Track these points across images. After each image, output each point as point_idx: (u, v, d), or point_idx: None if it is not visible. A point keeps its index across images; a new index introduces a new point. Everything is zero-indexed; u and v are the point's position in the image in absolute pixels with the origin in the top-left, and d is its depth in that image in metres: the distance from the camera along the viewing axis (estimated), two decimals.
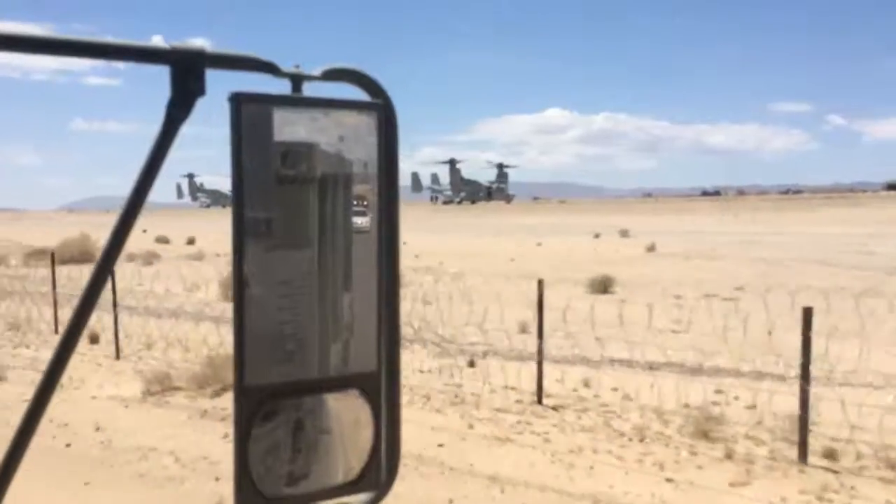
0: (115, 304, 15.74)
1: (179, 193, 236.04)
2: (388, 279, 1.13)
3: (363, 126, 1.07)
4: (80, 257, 33.13)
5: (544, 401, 11.55)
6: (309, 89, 1.05)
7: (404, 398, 12.18)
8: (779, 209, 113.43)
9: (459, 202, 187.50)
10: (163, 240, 54.44)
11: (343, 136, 1.05)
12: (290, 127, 1.01)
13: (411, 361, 13.86)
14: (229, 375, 11.69)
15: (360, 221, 1.08)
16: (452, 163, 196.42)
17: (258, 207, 1.00)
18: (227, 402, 11.56)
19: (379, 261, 1.10)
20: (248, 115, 0.98)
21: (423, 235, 55.18)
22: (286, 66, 1.03)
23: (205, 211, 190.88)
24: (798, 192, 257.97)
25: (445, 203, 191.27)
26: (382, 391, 1.12)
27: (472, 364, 14.12)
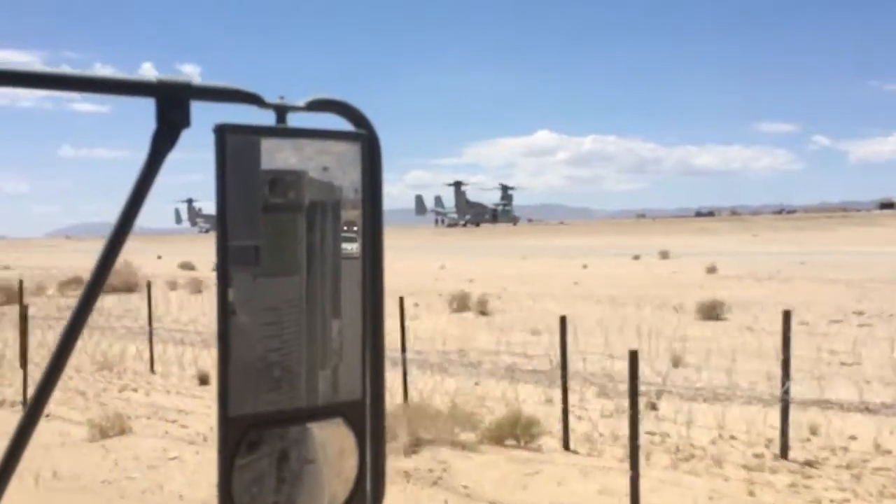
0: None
1: (178, 218, 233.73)
2: (373, 306, 1.13)
3: (348, 156, 1.08)
4: (123, 286, 31.32)
5: (789, 454, 9.79)
6: (294, 119, 1.07)
7: (611, 450, 10.55)
8: (798, 229, 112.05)
9: (465, 224, 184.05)
10: (188, 266, 52.51)
11: (327, 166, 1.06)
12: (276, 155, 1.02)
13: (577, 403, 12.14)
14: (425, 426, 9.05)
15: (349, 248, 1.09)
16: (458, 185, 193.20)
17: (245, 235, 1.00)
18: (429, 460, 9.94)
19: (363, 287, 1.10)
20: (234, 144, 0.98)
21: (454, 259, 53.53)
22: (271, 98, 1.05)
23: (204, 236, 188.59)
24: (791, 211, 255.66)
25: (450, 226, 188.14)
26: (367, 420, 1.12)
27: (653, 406, 12.32)
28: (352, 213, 1.09)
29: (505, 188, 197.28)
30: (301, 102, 1.08)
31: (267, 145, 1.01)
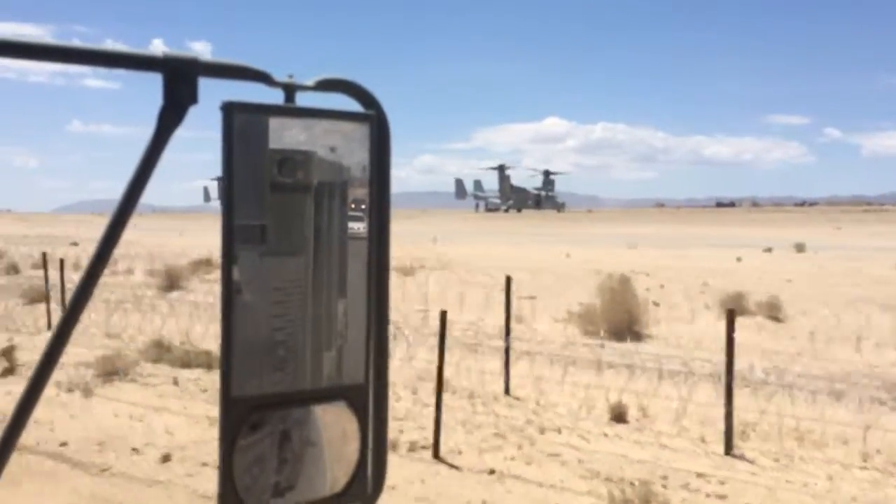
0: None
1: (207, 197, 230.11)
2: (378, 287, 1.12)
3: (356, 136, 1.08)
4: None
5: None
6: (302, 99, 1.06)
7: None
8: (881, 221, 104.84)
9: (506, 210, 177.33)
10: None
11: (335, 147, 1.06)
12: (286, 134, 1.02)
13: None
14: None
15: (356, 227, 1.08)
16: (502, 169, 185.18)
17: (252, 214, 1.00)
18: None
19: (369, 269, 1.10)
20: (241, 123, 0.98)
21: (562, 247, 48.90)
22: (279, 76, 1.04)
23: None
24: (813, 203, 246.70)
25: (489, 210, 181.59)
26: (370, 403, 1.11)
27: None
28: (359, 192, 1.08)
29: (547, 173, 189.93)
30: (310, 82, 1.06)
31: (275, 124, 1.01)
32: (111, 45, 1.03)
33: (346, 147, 1.06)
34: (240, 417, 0.99)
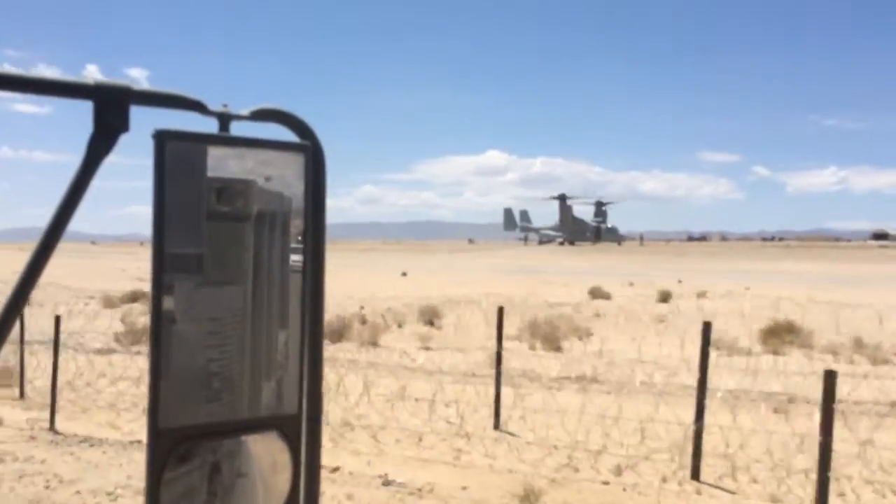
0: None
1: None
2: (314, 318, 1.10)
3: (291, 166, 1.05)
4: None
5: None
6: (236, 129, 1.04)
7: None
8: (873, 259, 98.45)
9: (562, 243, 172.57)
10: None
11: (270, 176, 1.04)
12: (224, 163, 1.00)
13: None
14: None
15: (299, 260, 1.07)
16: (562, 199, 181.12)
17: (188, 243, 0.97)
18: None
19: (303, 299, 1.07)
20: (178, 151, 0.96)
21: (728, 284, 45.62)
22: (214, 106, 1.03)
23: None
24: (782, 239, 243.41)
25: (542, 243, 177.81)
26: (303, 434, 1.09)
27: None
28: (300, 223, 1.06)
29: (599, 204, 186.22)
30: (245, 111, 1.05)
31: (214, 152, 0.99)
32: (43, 69, 0.85)
33: (282, 177, 1.04)
34: (166, 449, 0.96)
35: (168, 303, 0.96)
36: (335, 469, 9.62)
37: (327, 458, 10.00)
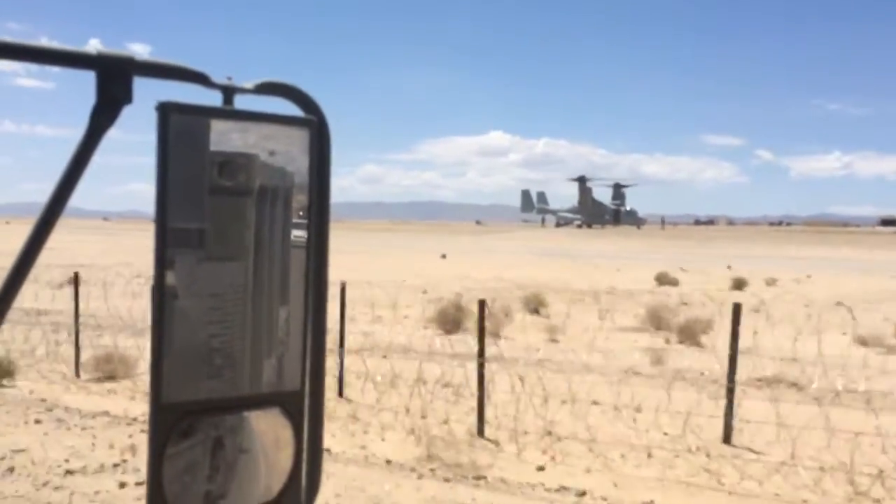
0: None
1: None
2: (317, 295, 1.11)
3: (296, 141, 1.05)
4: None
5: None
6: (240, 102, 1.03)
7: None
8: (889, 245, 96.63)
9: (580, 225, 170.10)
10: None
11: (274, 151, 1.03)
12: (226, 137, 0.99)
13: None
14: None
15: (301, 235, 1.07)
16: (582, 180, 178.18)
17: (190, 218, 0.97)
18: None
19: (307, 275, 1.07)
20: (181, 124, 0.95)
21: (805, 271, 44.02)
22: (218, 78, 1.02)
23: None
24: (790, 223, 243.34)
25: (559, 226, 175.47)
26: (305, 410, 1.10)
27: None
28: (303, 199, 1.06)
29: (618, 186, 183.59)
30: (249, 84, 1.05)
31: (217, 126, 0.98)
32: (45, 42, 0.97)
33: (286, 152, 1.03)
34: (169, 424, 0.96)
35: (170, 278, 0.95)
36: (582, 494, 8.23)
37: (564, 479, 8.63)
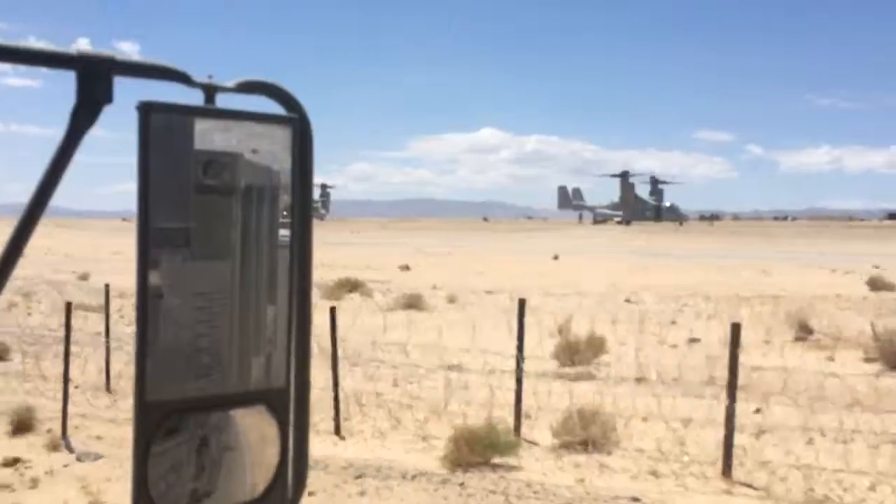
0: None
1: None
2: (301, 293, 1.11)
3: (278, 139, 1.06)
4: None
5: None
6: (222, 101, 1.03)
7: None
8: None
9: (619, 222, 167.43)
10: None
11: (256, 149, 1.03)
12: (211, 136, 1.00)
13: None
14: None
15: (287, 234, 1.07)
16: (625, 176, 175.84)
17: (175, 217, 0.98)
18: None
19: (291, 273, 1.08)
20: (163, 123, 0.96)
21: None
22: (199, 77, 1.02)
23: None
24: (794, 218, 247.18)
25: (597, 223, 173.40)
26: (291, 407, 1.11)
27: None
28: (288, 199, 1.06)
29: (655, 181, 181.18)
30: (231, 83, 1.05)
31: (201, 125, 0.99)
32: (32, 42, 1.00)
33: (269, 150, 1.03)
34: (154, 422, 0.96)
35: (155, 277, 0.96)
36: None
37: None
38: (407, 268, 42.31)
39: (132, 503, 0.97)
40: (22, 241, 0.92)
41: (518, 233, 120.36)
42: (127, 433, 10.17)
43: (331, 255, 43.73)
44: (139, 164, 0.94)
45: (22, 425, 11.10)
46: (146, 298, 0.96)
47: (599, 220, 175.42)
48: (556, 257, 52.88)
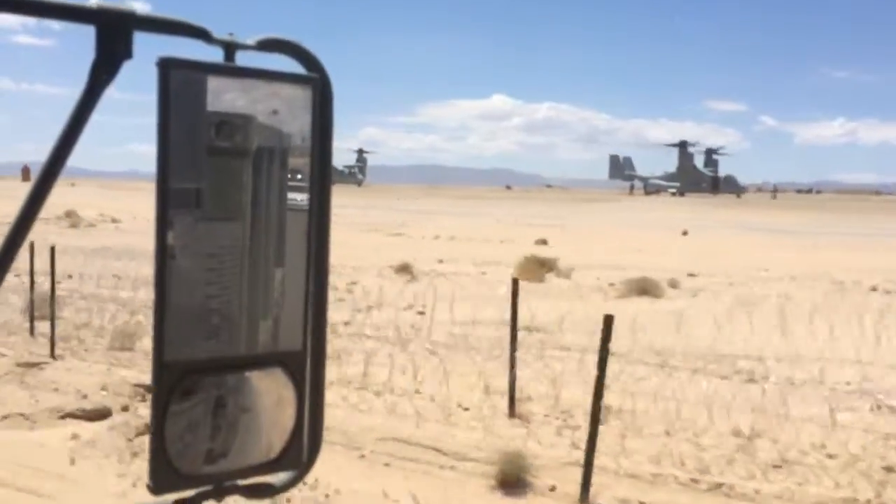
0: None
1: None
2: (318, 257, 1.11)
3: (298, 100, 1.04)
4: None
5: None
6: (242, 59, 1.01)
7: None
8: None
9: (674, 194, 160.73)
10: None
11: (277, 110, 1.03)
12: (224, 96, 0.98)
13: None
14: None
15: (298, 198, 1.06)
16: (683, 146, 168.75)
17: (187, 178, 0.97)
18: None
19: (309, 237, 1.08)
20: (178, 81, 0.94)
21: None
22: (219, 34, 1.01)
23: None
24: (819, 191, 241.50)
25: (648, 193, 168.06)
26: (307, 370, 1.11)
27: None
28: (300, 161, 1.05)
29: (710, 151, 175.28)
30: (251, 41, 1.02)
31: (213, 85, 0.96)
32: None
33: (287, 111, 1.03)
34: (172, 382, 0.98)
35: (169, 238, 0.97)
36: None
37: None
38: (544, 242, 39.60)
39: (150, 460, 0.97)
40: (42, 195, 0.92)
41: (586, 203, 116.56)
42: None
43: (433, 226, 40.78)
44: (159, 123, 0.92)
45: (507, 478, 8.01)
46: (165, 259, 0.95)
47: (651, 190, 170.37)
48: (685, 233, 49.90)
